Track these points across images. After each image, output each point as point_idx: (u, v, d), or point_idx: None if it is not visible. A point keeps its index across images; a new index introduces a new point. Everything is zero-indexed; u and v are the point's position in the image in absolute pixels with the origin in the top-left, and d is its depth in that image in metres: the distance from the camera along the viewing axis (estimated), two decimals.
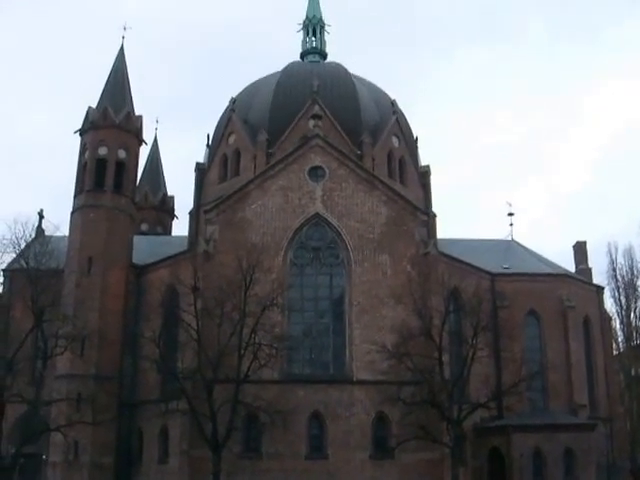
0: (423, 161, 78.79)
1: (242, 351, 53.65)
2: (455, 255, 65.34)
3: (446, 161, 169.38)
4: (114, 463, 61.81)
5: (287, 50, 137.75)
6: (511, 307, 65.99)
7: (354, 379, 59.26)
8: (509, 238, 78.32)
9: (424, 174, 77.41)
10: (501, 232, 79.62)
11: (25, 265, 58.41)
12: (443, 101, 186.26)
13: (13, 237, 56.38)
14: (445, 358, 55.94)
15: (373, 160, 71.18)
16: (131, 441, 62.99)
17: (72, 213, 67.54)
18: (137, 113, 71.87)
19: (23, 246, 58.48)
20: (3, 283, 64.45)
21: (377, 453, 58.02)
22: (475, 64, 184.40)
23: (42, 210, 74.96)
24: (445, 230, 72.56)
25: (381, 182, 65.05)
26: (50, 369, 59.16)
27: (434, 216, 71.48)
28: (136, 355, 62.31)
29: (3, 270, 61.61)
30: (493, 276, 67.99)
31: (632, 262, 64.90)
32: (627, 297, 64.71)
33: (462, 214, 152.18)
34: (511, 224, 78.73)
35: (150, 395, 62.37)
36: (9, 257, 59.70)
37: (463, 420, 54.94)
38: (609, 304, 70.41)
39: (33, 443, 58.75)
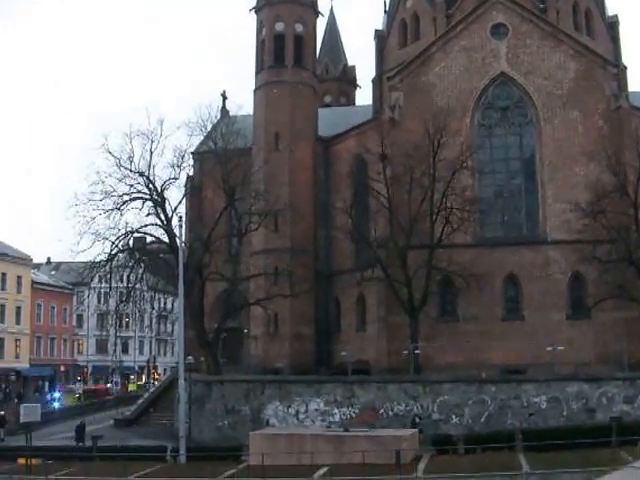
0: (611, 11, 74.87)
1: (434, 216, 53.59)
2: None
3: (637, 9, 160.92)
4: (313, 333, 63.85)
5: None
6: None
7: (548, 239, 58.48)
8: None
9: (612, 25, 72.96)
10: None
11: (213, 146, 59.69)
12: None
13: (199, 120, 57.57)
14: None
15: (557, 13, 67.58)
16: (329, 311, 64.72)
17: (255, 91, 68.41)
18: None
19: (210, 128, 59.68)
20: (193, 166, 65.89)
21: (573, 313, 57.39)
22: None
23: (225, 91, 76.30)
24: (637, 83, 69.40)
25: (567, 36, 62.43)
26: (245, 246, 61.13)
27: (625, 68, 68.05)
28: (329, 226, 63.63)
29: (192, 153, 62.78)
30: None
31: None
32: None
33: None
34: None
35: (345, 265, 63.61)
36: (197, 140, 60.96)
37: None
38: None
39: (234, 318, 61.58)
